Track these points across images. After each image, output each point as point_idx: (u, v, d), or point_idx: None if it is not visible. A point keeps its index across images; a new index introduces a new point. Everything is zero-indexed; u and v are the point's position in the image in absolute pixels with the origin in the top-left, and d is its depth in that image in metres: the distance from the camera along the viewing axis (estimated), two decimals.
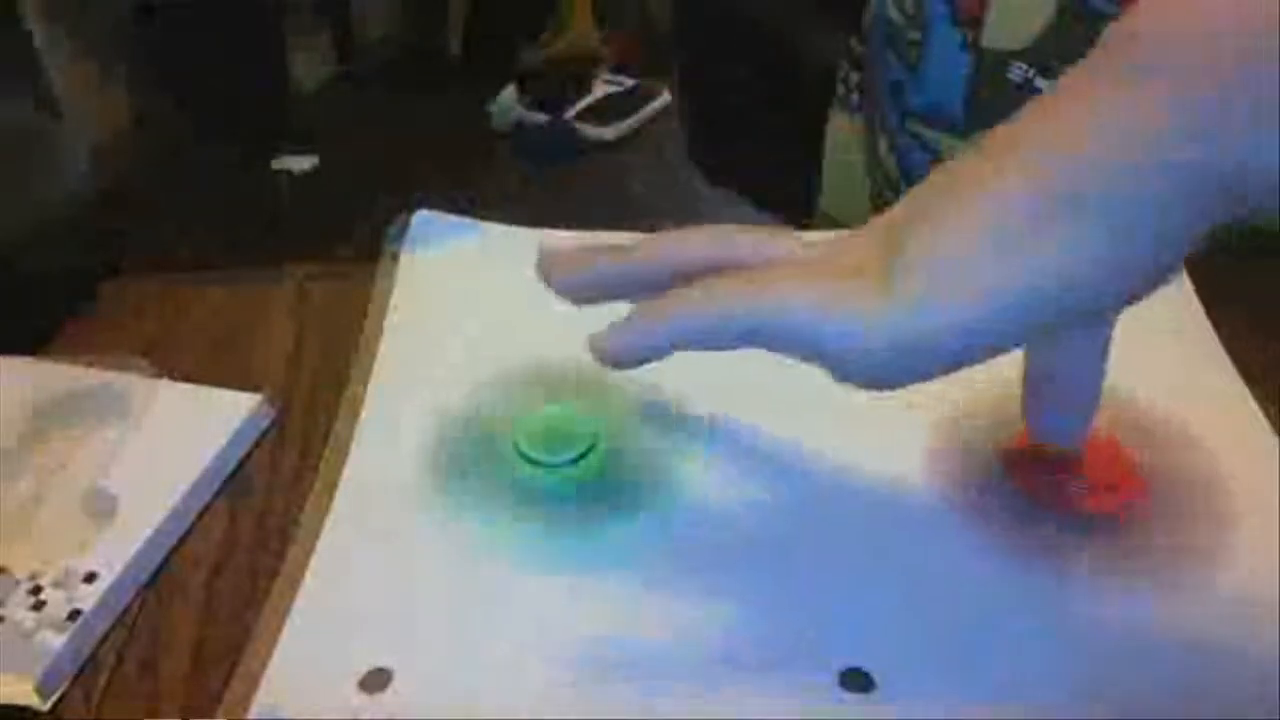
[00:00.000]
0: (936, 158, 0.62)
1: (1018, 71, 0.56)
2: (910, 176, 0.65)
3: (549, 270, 0.36)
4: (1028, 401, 0.36)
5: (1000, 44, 0.56)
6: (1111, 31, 0.28)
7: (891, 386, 0.30)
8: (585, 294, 0.35)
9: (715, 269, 0.32)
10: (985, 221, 0.27)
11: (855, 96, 0.73)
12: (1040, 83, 0.55)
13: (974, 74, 0.58)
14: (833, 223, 0.76)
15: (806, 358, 0.30)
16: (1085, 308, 0.28)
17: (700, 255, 0.32)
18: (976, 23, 0.57)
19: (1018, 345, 0.30)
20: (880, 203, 0.70)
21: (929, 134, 0.62)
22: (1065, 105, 0.28)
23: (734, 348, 0.31)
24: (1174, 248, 0.27)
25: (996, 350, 0.29)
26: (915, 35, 0.61)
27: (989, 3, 0.56)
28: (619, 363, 0.33)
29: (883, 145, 0.67)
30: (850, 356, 0.29)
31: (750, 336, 0.30)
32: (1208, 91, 0.25)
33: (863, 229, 0.32)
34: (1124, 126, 0.26)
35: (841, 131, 0.75)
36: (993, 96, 0.58)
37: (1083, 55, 0.54)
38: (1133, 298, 0.28)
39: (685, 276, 0.32)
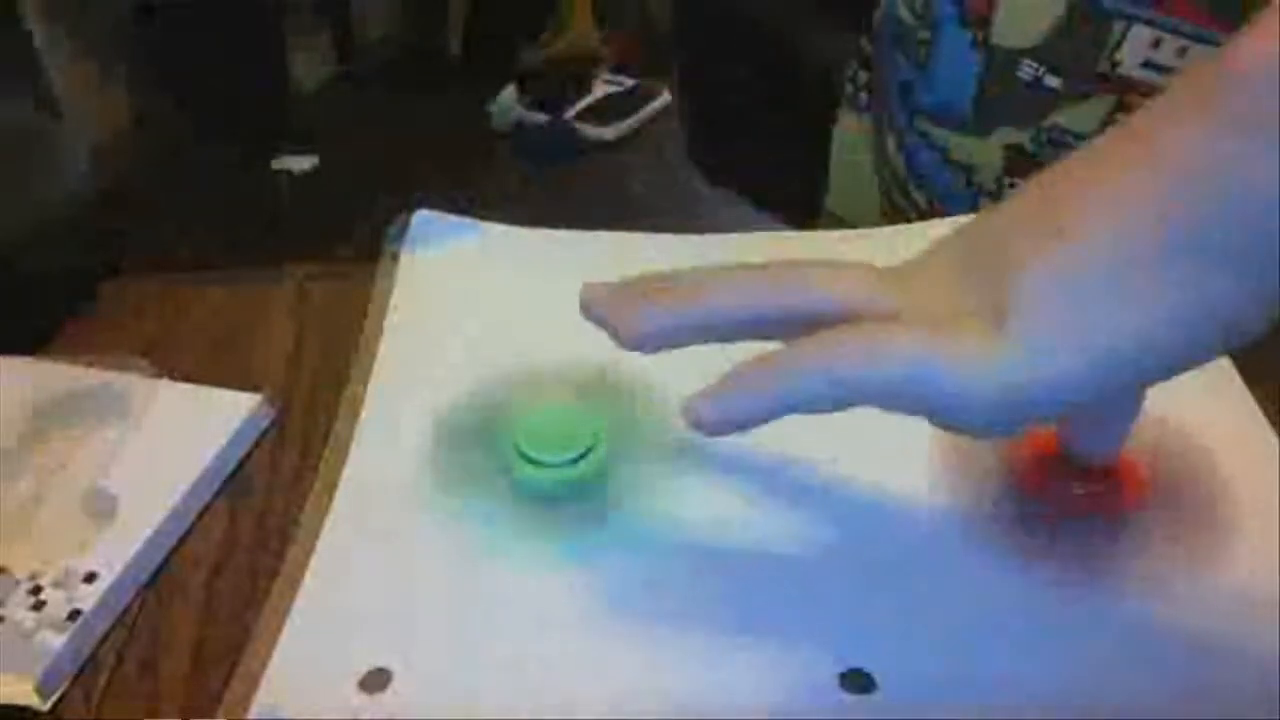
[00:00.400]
0: (944, 156, 0.62)
1: (1028, 70, 0.56)
2: (918, 175, 0.65)
3: (613, 319, 0.34)
4: (1066, 424, 0.36)
5: (1009, 42, 0.56)
6: (1218, 70, 0.26)
7: (999, 434, 0.29)
8: (656, 344, 0.33)
9: (793, 315, 0.31)
10: (1098, 267, 0.26)
11: (864, 96, 0.73)
12: (1051, 80, 0.55)
13: (983, 72, 0.58)
14: (839, 222, 0.76)
15: (914, 411, 0.29)
16: (1200, 354, 0.27)
17: (776, 302, 0.31)
18: (985, 21, 0.57)
19: (1127, 391, 0.29)
20: (888, 202, 0.70)
21: (937, 132, 0.62)
22: (1167, 142, 0.26)
23: (841, 409, 0.30)
24: None
25: (1108, 396, 0.28)
26: (925, 34, 0.61)
27: (998, 2, 0.56)
28: (717, 432, 0.31)
29: (891, 144, 0.67)
30: (963, 408, 0.28)
31: (861, 399, 0.29)
32: None
33: (938, 255, 0.30)
34: (1237, 171, 0.25)
35: (849, 131, 0.75)
36: (1002, 95, 0.58)
37: (1092, 53, 0.54)
38: (1242, 339, 0.27)
39: (763, 323, 0.31)
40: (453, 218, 0.56)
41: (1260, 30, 0.25)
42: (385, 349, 0.49)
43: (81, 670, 0.37)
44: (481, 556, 0.39)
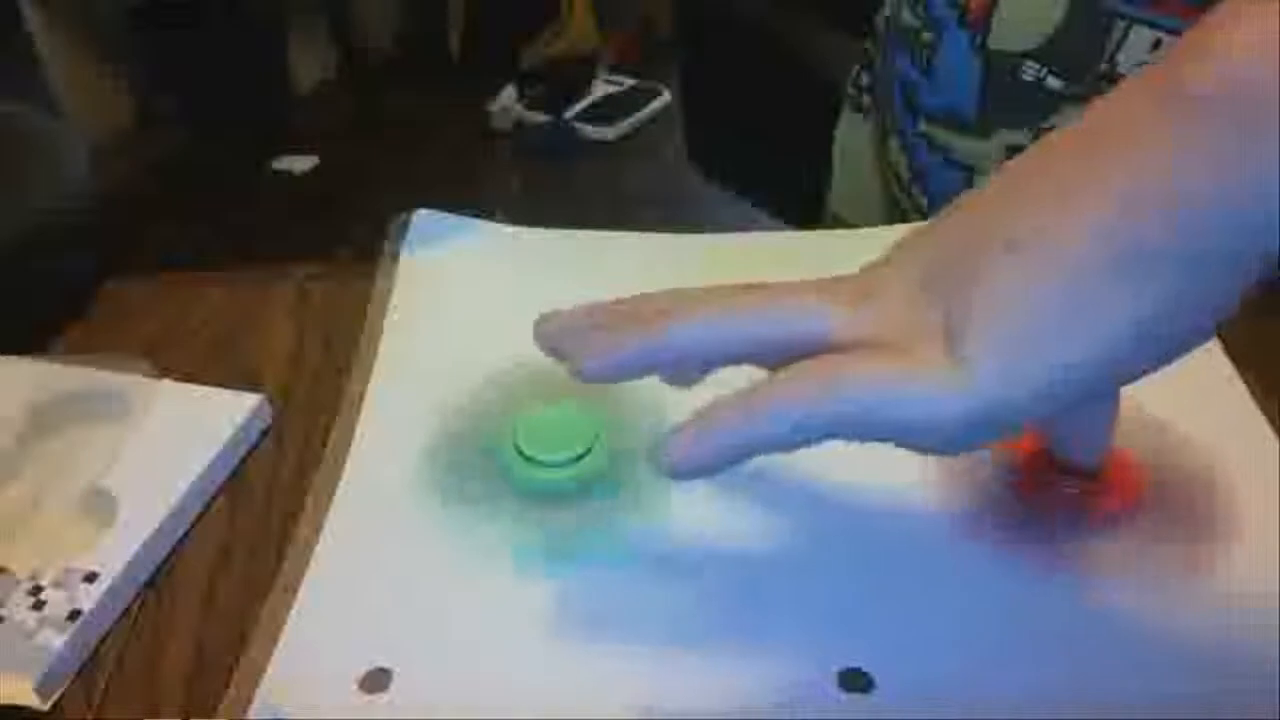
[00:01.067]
0: (946, 157, 0.62)
1: (1030, 72, 0.56)
2: (920, 176, 0.65)
3: (570, 351, 0.33)
4: (1050, 428, 0.36)
5: (1009, 45, 0.57)
6: (1177, 89, 0.26)
7: (967, 451, 0.29)
8: (615, 377, 0.33)
9: (758, 345, 0.31)
10: (1050, 283, 0.26)
11: (866, 98, 0.73)
12: (1053, 82, 0.56)
13: (984, 75, 0.58)
14: (842, 223, 0.76)
15: (880, 440, 0.29)
16: (1159, 360, 0.27)
17: (741, 334, 0.31)
18: (984, 24, 0.57)
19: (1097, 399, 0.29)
20: (890, 203, 0.70)
21: (940, 134, 0.62)
22: (1120, 157, 0.26)
23: (810, 445, 0.30)
24: (1243, 284, 0.26)
25: (1073, 407, 0.28)
26: (929, 37, 0.61)
27: (997, 4, 0.56)
28: (684, 476, 0.30)
29: (893, 145, 0.67)
30: (926, 435, 0.28)
31: (826, 437, 0.29)
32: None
33: (898, 267, 0.30)
34: (1189, 190, 0.25)
35: (852, 132, 0.75)
36: (1005, 97, 0.58)
37: (1093, 55, 0.54)
38: (1202, 339, 0.27)
39: (727, 355, 0.32)
40: (453, 218, 0.56)
41: (1219, 48, 0.25)
42: (385, 349, 0.49)
43: (81, 670, 0.37)
44: (481, 556, 0.39)
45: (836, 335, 0.29)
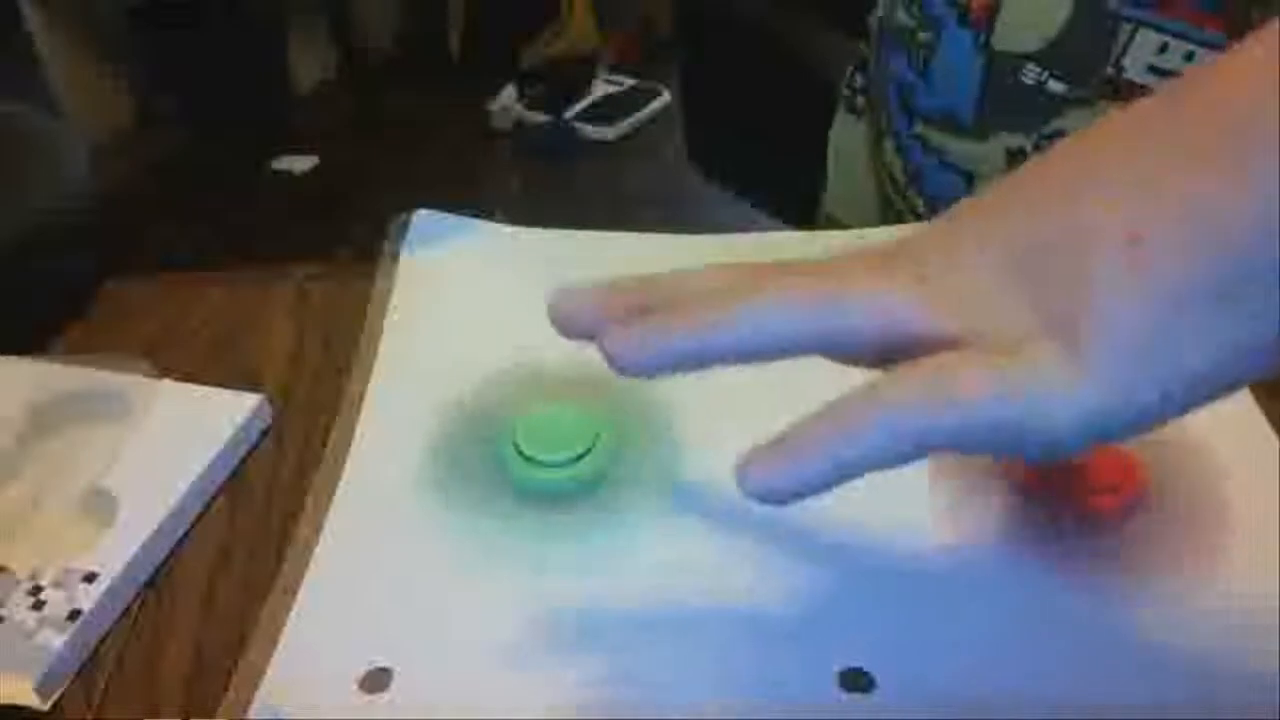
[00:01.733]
0: (942, 159, 0.62)
1: (1031, 74, 0.56)
2: (916, 178, 0.65)
3: (610, 343, 0.29)
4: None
5: (1012, 46, 0.56)
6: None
7: (1071, 456, 0.28)
8: (663, 373, 0.29)
9: (827, 340, 0.29)
10: (1181, 290, 0.25)
11: (860, 100, 0.73)
12: (1054, 85, 0.55)
13: (985, 76, 0.58)
14: (836, 224, 0.76)
15: (989, 451, 0.27)
16: (1265, 374, 0.26)
17: (808, 328, 0.28)
18: (987, 24, 0.57)
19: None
20: (886, 204, 0.70)
21: (936, 136, 0.62)
22: (1248, 156, 0.24)
23: (915, 460, 0.27)
24: None
25: (1181, 415, 0.27)
26: (925, 37, 0.60)
27: (1000, 4, 0.56)
28: (778, 503, 0.28)
29: (889, 146, 0.67)
30: (1045, 444, 0.26)
31: (936, 449, 0.27)
32: None
33: (980, 257, 0.28)
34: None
35: (846, 133, 0.75)
36: (1004, 99, 0.58)
37: (1098, 58, 0.53)
38: None
39: (791, 349, 0.29)
40: (453, 218, 0.56)
41: None
42: (385, 349, 0.49)
43: (81, 670, 0.37)
44: (481, 556, 0.39)
45: (920, 327, 0.27)
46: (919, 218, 0.65)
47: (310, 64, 2.51)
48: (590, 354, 0.47)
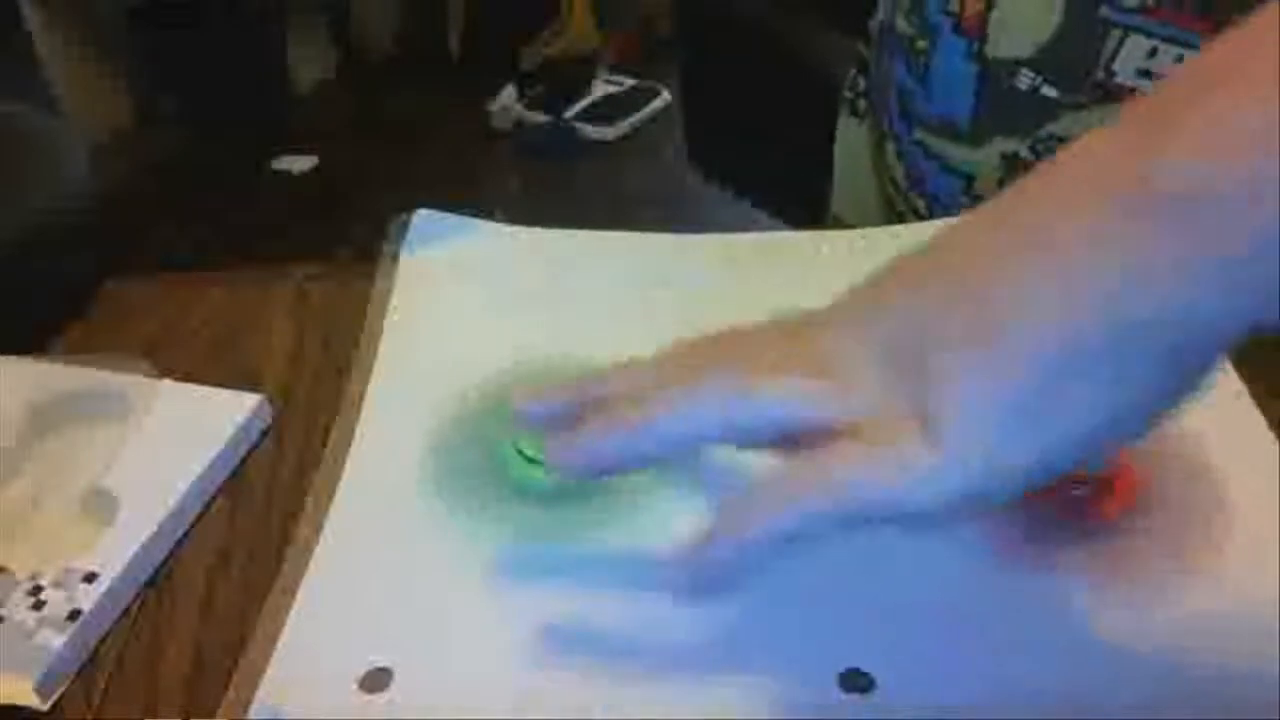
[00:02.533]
0: (943, 164, 0.62)
1: (1025, 79, 0.56)
2: (917, 182, 0.65)
3: (551, 450, 0.33)
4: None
5: (1005, 52, 0.57)
6: (1142, 189, 0.25)
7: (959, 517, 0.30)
8: (595, 475, 0.33)
9: (740, 435, 0.32)
10: (1029, 377, 0.26)
11: (862, 102, 0.74)
12: (1048, 90, 0.56)
13: (979, 83, 0.58)
14: (842, 225, 0.76)
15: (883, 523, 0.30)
16: (1145, 430, 0.27)
17: (724, 425, 0.32)
18: (980, 31, 0.57)
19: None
20: (888, 206, 0.70)
21: (935, 142, 0.62)
22: (1082, 258, 0.26)
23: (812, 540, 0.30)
24: (1197, 373, 0.27)
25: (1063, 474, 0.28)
26: (923, 44, 0.61)
27: (992, 11, 0.56)
28: (707, 590, 0.31)
29: (890, 150, 0.67)
30: (922, 517, 0.29)
31: (827, 528, 0.30)
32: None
33: (864, 346, 0.30)
34: (1162, 290, 0.25)
35: (849, 137, 0.75)
36: (999, 104, 0.58)
37: (1090, 63, 0.54)
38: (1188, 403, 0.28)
39: (708, 442, 0.33)
40: (453, 218, 0.56)
41: (1188, 141, 0.24)
42: (385, 349, 0.49)
43: (81, 670, 0.37)
44: (481, 556, 0.39)
45: (818, 417, 0.30)
46: (921, 218, 0.65)
47: (310, 64, 2.51)
48: (590, 353, 0.48)
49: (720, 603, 0.37)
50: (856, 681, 0.34)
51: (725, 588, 0.31)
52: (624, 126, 2.31)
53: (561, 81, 2.37)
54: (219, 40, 2.17)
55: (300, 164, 2.26)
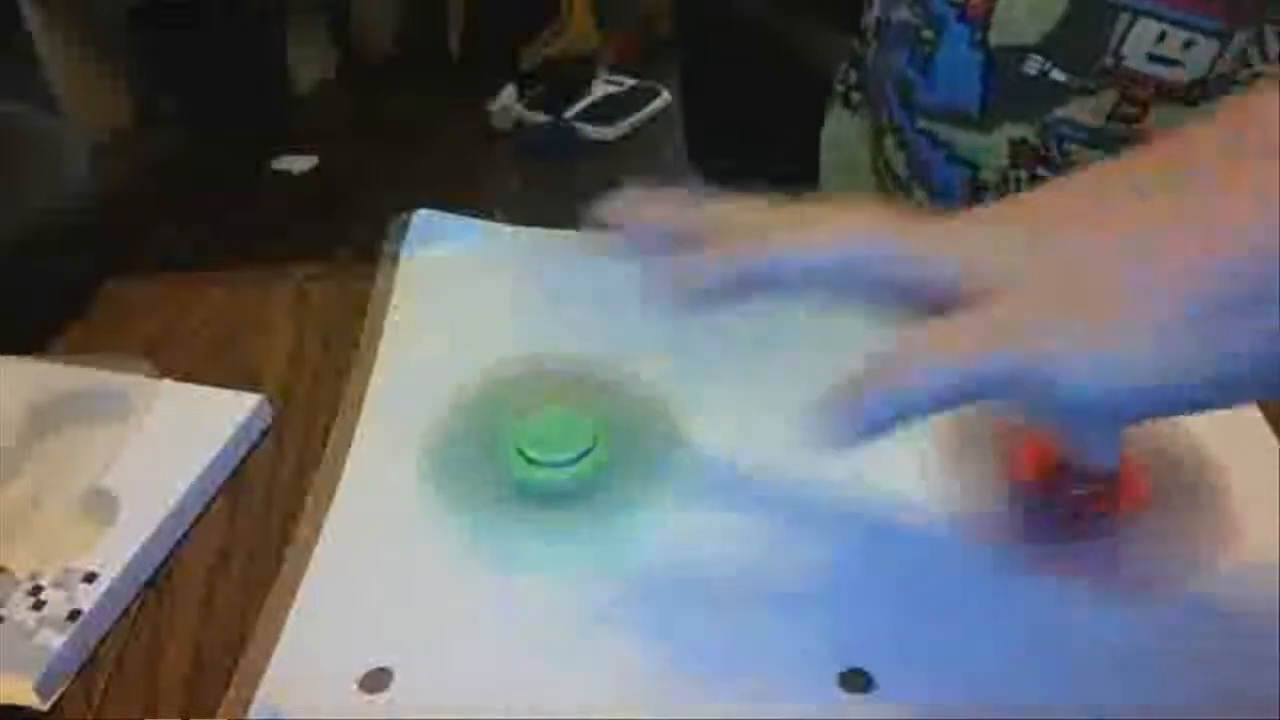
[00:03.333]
0: (951, 153, 0.62)
1: (1033, 65, 0.56)
2: (924, 173, 0.65)
3: (670, 272, 0.31)
4: (1072, 435, 0.36)
5: (1011, 39, 0.57)
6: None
7: (1111, 421, 0.30)
8: (712, 303, 0.32)
9: (857, 284, 0.31)
10: (1212, 287, 0.26)
11: (855, 95, 0.74)
12: (1056, 75, 0.56)
13: (985, 69, 0.58)
14: None
15: (1036, 399, 0.29)
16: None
17: (857, 268, 0.30)
18: (984, 20, 0.57)
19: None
20: (885, 199, 0.70)
21: (943, 130, 0.62)
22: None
23: (965, 404, 0.29)
24: None
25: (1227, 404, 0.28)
26: (928, 34, 0.61)
27: (996, 0, 0.57)
28: (851, 442, 0.29)
29: (890, 142, 0.67)
30: (1094, 398, 0.27)
31: (983, 396, 0.28)
32: None
33: (988, 232, 0.30)
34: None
35: (843, 129, 0.75)
36: (1008, 91, 0.58)
37: (1099, 47, 0.54)
38: None
39: (833, 285, 0.31)
40: (453, 218, 0.56)
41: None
42: (385, 349, 0.49)
43: (81, 670, 0.37)
44: (481, 556, 0.39)
45: (943, 280, 0.29)
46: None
47: (310, 64, 2.51)
48: (590, 353, 0.48)
49: (720, 602, 0.37)
50: (856, 681, 0.34)
51: (856, 444, 0.29)
52: (624, 126, 2.31)
53: (561, 81, 2.37)
54: (219, 40, 2.17)
55: (300, 164, 2.26)
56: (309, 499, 0.42)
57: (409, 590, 0.38)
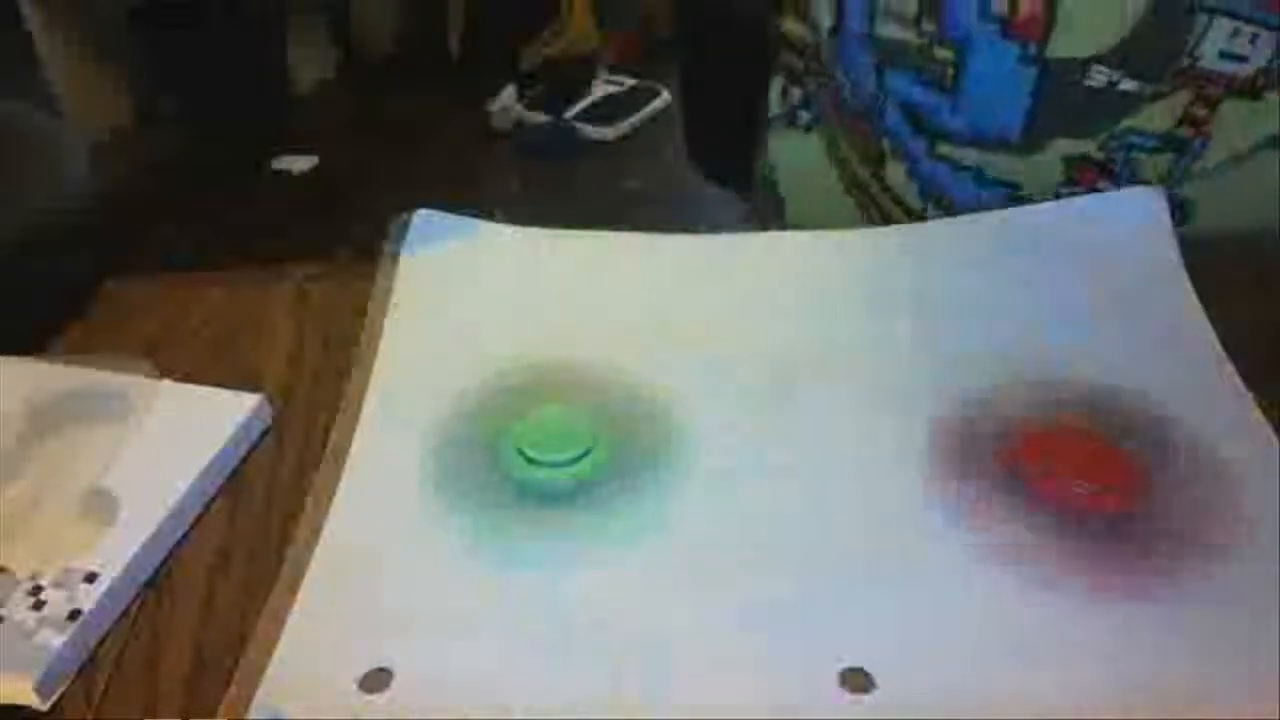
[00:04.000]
0: (981, 177, 0.60)
1: (1099, 76, 0.54)
2: (938, 198, 0.63)
3: None
4: None
5: (1073, 52, 0.55)
6: None
7: None
8: None
9: None
10: None
11: (805, 114, 0.72)
12: (1127, 84, 0.54)
13: (1038, 85, 0.56)
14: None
15: None
16: None
17: None
18: (1039, 33, 0.55)
19: None
20: (876, 223, 0.68)
21: (973, 155, 0.60)
22: None
23: None
24: None
25: None
26: (944, 53, 0.58)
27: (1056, 10, 0.54)
28: None
29: (897, 171, 0.64)
30: None
31: None
32: None
33: None
34: None
35: (795, 153, 0.72)
36: (1063, 106, 0.56)
37: (1176, 51, 0.50)
38: None
39: None
40: (453, 218, 0.56)
41: None
42: (385, 349, 0.49)
43: (81, 670, 0.37)
44: (481, 556, 0.39)
45: None
46: None
47: (310, 64, 2.51)
48: (590, 354, 0.48)
49: (720, 602, 0.37)
50: (856, 681, 0.34)
51: None
52: (624, 126, 2.31)
53: (561, 81, 2.37)
54: (219, 40, 2.17)
55: (300, 164, 2.26)
56: (309, 499, 0.42)
57: (409, 590, 0.38)
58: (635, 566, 0.39)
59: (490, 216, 0.56)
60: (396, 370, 0.48)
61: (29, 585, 0.38)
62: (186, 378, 0.47)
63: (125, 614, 0.39)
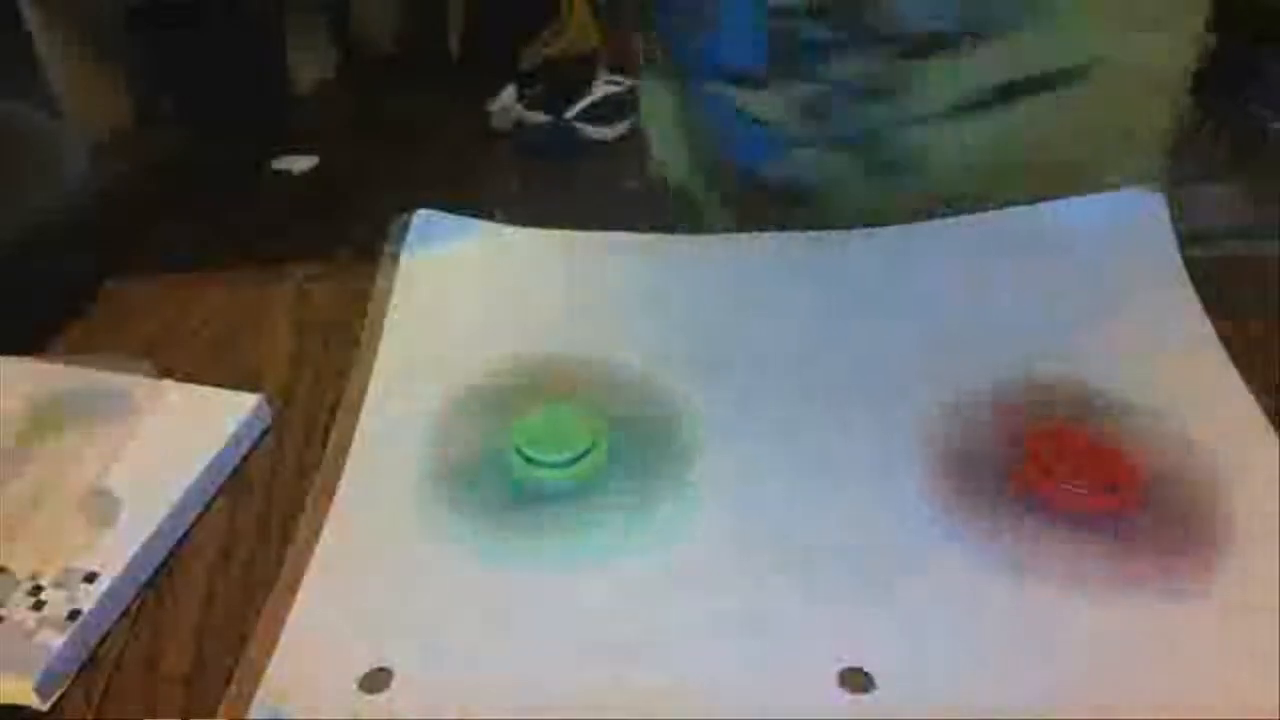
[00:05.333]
0: (741, 114, 0.62)
1: (808, 28, 0.56)
2: (719, 134, 0.65)
3: None
4: None
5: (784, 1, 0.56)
6: None
7: None
8: None
9: None
10: None
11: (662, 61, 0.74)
12: (822, 35, 0.55)
13: (766, 30, 0.58)
14: (686, 194, 0.75)
15: None
16: None
17: None
18: None
19: None
20: (697, 161, 0.70)
21: (727, 91, 0.62)
22: None
23: None
24: None
25: None
26: None
27: None
28: None
29: (698, 108, 0.67)
30: None
31: None
32: None
33: None
34: None
35: (652, 100, 0.75)
36: (785, 51, 0.57)
37: (864, 6, 0.49)
38: None
39: None
40: (453, 218, 0.56)
41: None
42: (385, 349, 0.49)
43: (81, 670, 0.37)
44: (481, 556, 0.39)
45: None
46: (743, 186, 0.65)
47: (310, 64, 2.51)
48: (589, 354, 0.48)
49: (720, 602, 0.37)
50: (856, 681, 0.34)
51: None
52: (624, 126, 2.31)
53: (561, 81, 2.37)
54: (219, 40, 2.17)
55: (300, 164, 2.26)
56: (309, 499, 0.42)
57: (409, 590, 0.38)
58: (635, 566, 0.39)
59: (490, 216, 0.56)
60: (396, 370, 0.48)
61: (29, 585, 0.38)
62: (186, 378, 0.47)
63: (125, 614, 0.39)
